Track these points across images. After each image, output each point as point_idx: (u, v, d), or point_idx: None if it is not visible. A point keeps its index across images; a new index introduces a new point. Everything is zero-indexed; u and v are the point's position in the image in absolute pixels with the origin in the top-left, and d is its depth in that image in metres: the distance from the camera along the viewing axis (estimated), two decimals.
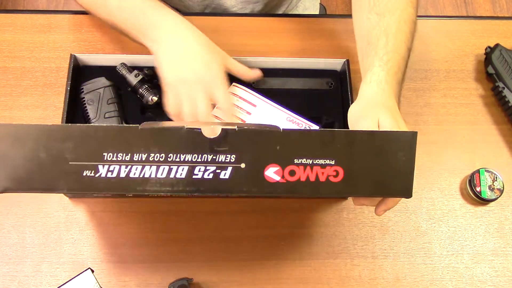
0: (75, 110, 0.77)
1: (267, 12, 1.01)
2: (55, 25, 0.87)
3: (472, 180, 0.79)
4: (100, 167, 0.49)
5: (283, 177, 0.50)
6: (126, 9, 0.73)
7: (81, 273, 0.60)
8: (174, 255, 0.75)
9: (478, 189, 0.79)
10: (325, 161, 0.50)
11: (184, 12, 0.99)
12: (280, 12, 1.05)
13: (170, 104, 0.70)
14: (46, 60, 0.84)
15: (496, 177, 0.80)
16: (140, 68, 0.79)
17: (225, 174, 0.49)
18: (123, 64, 0.79)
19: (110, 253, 0.74)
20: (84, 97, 0.77)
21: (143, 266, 0.74)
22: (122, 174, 0.49)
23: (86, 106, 0.76)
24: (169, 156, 0.50)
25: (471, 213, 0.80)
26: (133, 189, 0.49)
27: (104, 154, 0.49)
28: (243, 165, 0.50)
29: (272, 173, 0.50)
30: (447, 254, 0.77)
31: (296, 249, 0.76)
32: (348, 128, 0.65)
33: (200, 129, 0.50)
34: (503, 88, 0.85)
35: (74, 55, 0.79)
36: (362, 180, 0.51)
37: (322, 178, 0.50)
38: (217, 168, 0.49)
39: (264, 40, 0.89)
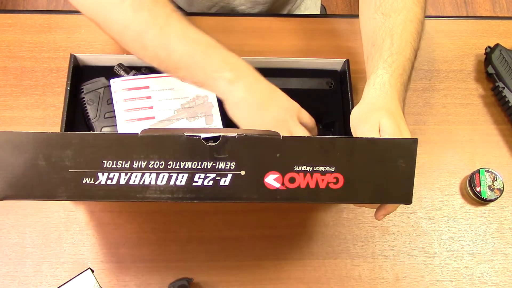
0: (75, 110, 0.77)
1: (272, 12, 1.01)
2: (55, 25, 0.87)
3: (472, 180, 0.79)
4: (99, 174, 0.49)
5: (283, 184, 0.50)
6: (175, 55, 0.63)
7: (81, 273, 0.60)
8: (174, 255, 0.75)
9: (478, 189, 0.79)
10: (325, 168, 0.50)
11: (189, 11, 0.99)
12: (283, 12, 1.05)
13: None
14: (46, 60, 0.84)
15: (496, 177, 0.80)
16: (138, 68, 0.79)
17: (225, 181, 0.49)
18: (121, 65, 0.79)
19: (110, 253, 0.74)
20: (84, 97, 0.77)
21: (143, 266, 0.74)
22: (122, 182, 0.49)
23: (86, 106, 0.76)
24: (168, 163, 0.49)
25: (471, 213, 0.80)
26: (133, 197, 0.49)
27: (103, 161, 0.49)
28: (243, 172, 0.50)
29: (272, 180, 0.50)
30: (447, 254, 0.77)
31: (296, 249, 0.76)
32: (349, 129, 0.65)
33: (200, 136, 0.50)
34: (503, 88, 0.85)
35: (74, 55, 0.79)
36: (362, 187, 0.51)
37: (322, 185, 0.50)
38: (217, 175, 0.49)
39: (264, 40, 0.89)
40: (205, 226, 0.76)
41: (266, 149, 0.50)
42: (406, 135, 0.61)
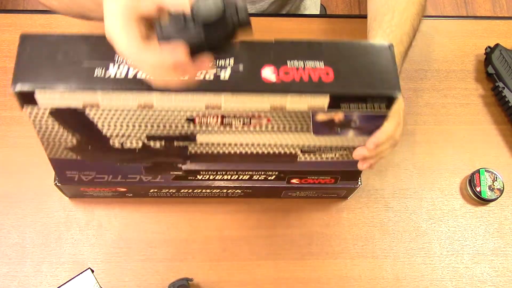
0: None
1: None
2: (55, 25, 0.87)
3: (472, 180, 0.79)
4: (111, 65, 0.52)
5: (278, 75, 0.54)
6: None
7: (81, 273, 0.60)
8: (174, 255, 0.75)
9: (478, 189, 0.79)
10: (315, 63, 0.55)
11: None
12: (283, 13, 1.05)
13: None
14: None
15: (496, 177, 0.80)
16: None
17: (224, 76, 0.54)
18: None
19: (110, 253, 0.74)
20: None
21: (143, 266, 0.74)
22: (130, 75, 0.52)
23: None
24: None
25: (471, 213, 0.80)
26: (138, 88, 0.52)
27: (116, 55, 0.53)
28: (241, 67, 0.54)
29: (268, 73, 0.54)
30: (447, 254, 0.77)
31: (296, 249, 0.76)
32: None
33: None
34: (503, 88, 0.85)
35: None
36: (352, 80, 0.56)
37: (315, 78, 0.55)
38: (217, 67, 0.54)
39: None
40: (205, 226, 0.76)
41: (260, 49, 0.56)
42: (401, 103, 0.65)
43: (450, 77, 0.90)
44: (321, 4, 1.20)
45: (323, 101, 0.56)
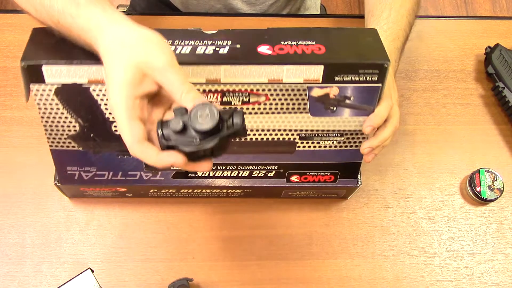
0: None
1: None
2: None
3: (472, 180, 0.79)
4: None
5: (273, 51, 0.59)
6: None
7: (81, 273, 0.60)
8: (174, 255, 0.75)
9: (478, 189, 0.79)
10: (307, 42, 0.60)
11: (186, 12, 0.99)
12: (283, 13, 1.05)
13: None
14: None
15: (496, 177, 0.80)
16: None
17: (223, 51, 0.59)
18: None
19: (110, 253, 0.74)
20: None
21: (143, 266, 0.74)
22: None
23: None
24: (174, 42, 0.59)
25: (471, 213, 0.80)
26: None
27: None
28: (238, 45, 0.60)
29: (264, 49, 0.60)
30: (447, 254, 0.77)
31: (296, 249, 0.76)
32: None
33: (201, 29, 0.61)
34: (503, 88, 0.85)
35: None
36: (342, 52, 0.60)
37: (308, 52, 0.60)
38: (216, 47, 0.59)
39: None
40: (205, 226, 0.76)
41: (256, 34, 0.62)
42: (394, 92, 0.67)
43: (450, 77, 0.90)
44: (321, 4, 1.20)
45: (317, 72, 0.59)
